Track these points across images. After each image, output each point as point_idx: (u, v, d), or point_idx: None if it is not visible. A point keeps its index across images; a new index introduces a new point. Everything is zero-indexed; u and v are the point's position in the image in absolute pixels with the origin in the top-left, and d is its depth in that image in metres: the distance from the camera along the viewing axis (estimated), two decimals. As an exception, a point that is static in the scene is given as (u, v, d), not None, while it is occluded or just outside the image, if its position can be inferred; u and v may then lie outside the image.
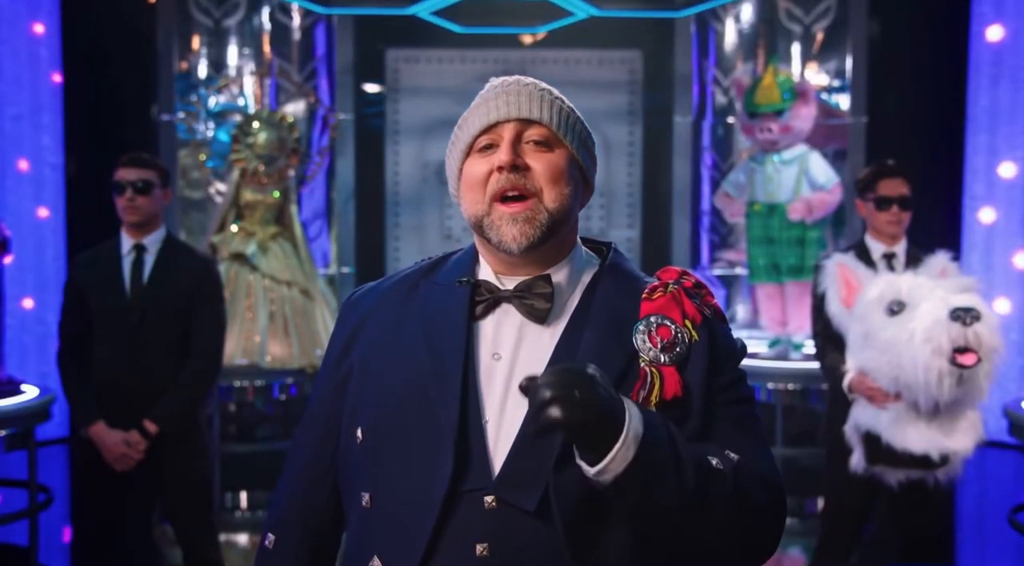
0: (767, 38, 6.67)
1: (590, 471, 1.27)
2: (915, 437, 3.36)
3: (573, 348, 1.42)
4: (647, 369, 1.40)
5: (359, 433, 1.46)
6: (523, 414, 1.36)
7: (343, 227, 6.95)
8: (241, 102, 6.46)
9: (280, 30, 6.68)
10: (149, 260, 3.65)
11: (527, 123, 1.46)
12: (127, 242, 3.66)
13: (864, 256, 3.66)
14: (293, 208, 5.93)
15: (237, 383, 5.50)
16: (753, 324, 6.26)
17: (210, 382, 3.72)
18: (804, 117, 5.72)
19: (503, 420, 1.40)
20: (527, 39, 7.21)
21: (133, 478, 3.60)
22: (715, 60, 6.85)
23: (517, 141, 1.46)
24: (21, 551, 4.54)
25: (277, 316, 5.61)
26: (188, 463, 3.63)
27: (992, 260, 6.39)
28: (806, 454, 5.60)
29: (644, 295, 1.46)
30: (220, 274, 3.89)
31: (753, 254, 5.82)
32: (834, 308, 3.55)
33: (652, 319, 1.43)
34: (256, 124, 5.83)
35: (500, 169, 1.44)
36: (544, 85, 1.51)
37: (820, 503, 4.57)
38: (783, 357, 5.61)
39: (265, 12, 6.63)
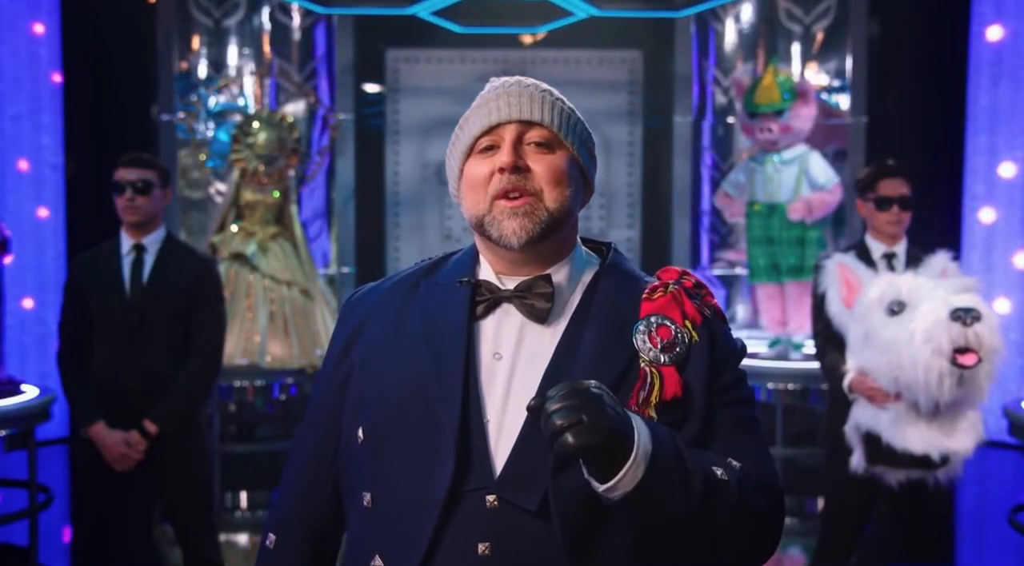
0: (767, 38, 6.67)
1: (600, 488, 1.27)
2: (915, 437, 3.36)
3: (574, 348, 1.42)
4: (647, 369, 1.40)
5: (360, 433, 1.46)
6: (524, 414, 1.37)
7: (343, 227, 6.95)
8: (241, 102, 6.46)
9: (280, 30, 6.68)
10: (149, 260, 3.65)
11: (528, 124, 1.47)
12: (127, 242, 3.66)
13: (864, 256, 3.66)
14: (293, 208, 5.93)
15: (237, 383, 5.49)
16: (753, 324, 6.26)
17: (210, 382, 3.72)
18: (804, 117, 5.71)
19: (504, 420, 1.40)
20: (527, 39, 7.21)
21: (133, 478, 3.60)
22: (715, 60, 6.85)
23: (518, 142, 1.46)
24: (21, 551, 4.54)
25: (277, 316, 5.61)
26: (188, 463, 3.63)
27: (992, 260, 6.39)
28: (806, 454, 5.60)
29: (644, 295, 1.46)
30: (220, 274, 3.89)
31: (753, 254, 5.82)
32: (834, 308, 3.55)
33: (652, 319, 1.43)
34: (256, 124, 5.83)
35: (501, 170, 1.44)
36: (545, 86, 1.51)
37: (820, 503, 4.57)
38: (783, 357, 5.61)
39: (265, 12, 6.63)
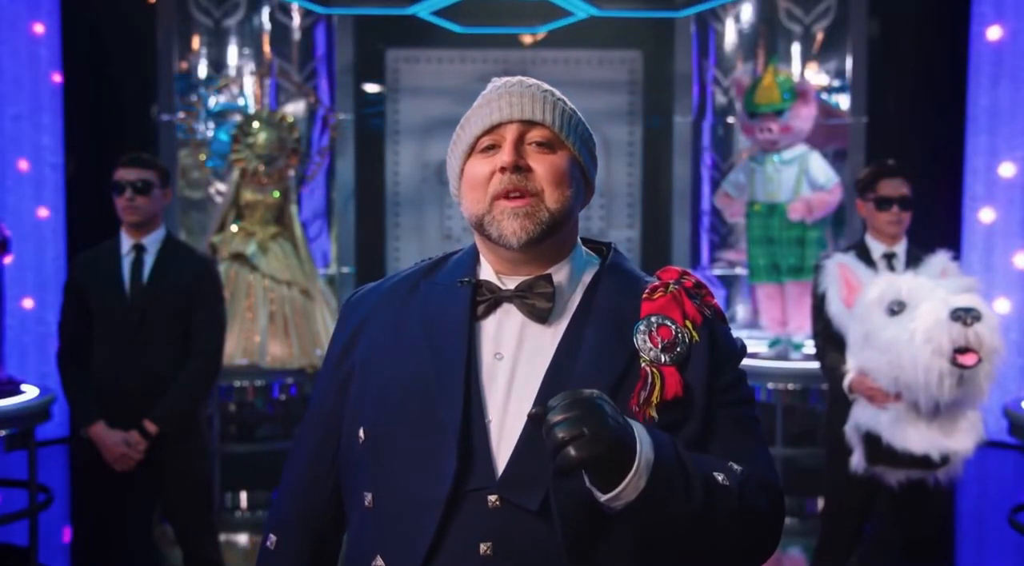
0: (767, 38, 6.67)
1: (602, 498, 1.27)
2: (915, 437, 3.36)
3: (575, 348, 1.42)
4: (648, 369, 1.40)
5: (361, 433, 1.46)
6: (526, 414, 1.36)
7: (343, 227, 6.95)
8: (241, 102, 6.46)
9: (280, 30, 6.68)
10: (149, 260, 3.65)
11: (529, 124, 1.47)
12: (127, 242, 3.66)
13: (864, 256, 3.66)
14: (293, 208, 5.93)
15: (237, 383, 5.49)
16: (753, 324, 6.26)
17: (210, 382, 3.72)
18: (804, 117, 5.71)
19: (506, 419, 1.40)
20: (527, 39, 7.21)
21: (133, 478, 3.60)
22: (715, 60, 6.85)
23: (519, 142, 1.46)
24: (21, 551, 4.54)
25: (277, 316, 5.61)
26: (188, 463, 3.63)
27: (992, 260, 6.39)
28: (806, 454, 5.60)
29: (644, 295, 1.47)
30: (220, 274, 3.89)
31: (753, 254, 5.82)
32: (834, 308, 3.55)
33: (653, 319, 1.43)
34: (256, 124, 5.83)
35: (502, 170, 1.44)
36: (547, 86, 1.51)
37: (820, 503, 4.57)
38: (783, 357, 5.61)
39: (265, 12, 6.63)
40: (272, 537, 1.56)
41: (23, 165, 6.43)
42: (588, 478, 1.29)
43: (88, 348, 3.61)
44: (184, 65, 6.59)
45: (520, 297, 1.46)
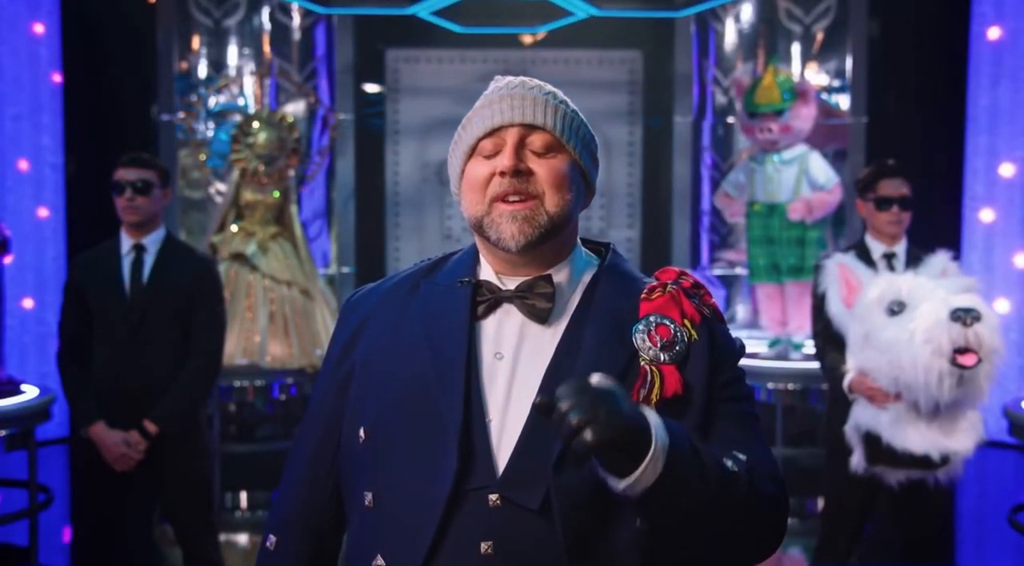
0: (767, 38, 6.67)
1: (619, 485, 1.27)
2: (915, 437, 3.36)
3: (574, 348, 1.43)
4: (647, 368, 1.41)
5: (361, 433, 1.46)
6: (526, 413, 1.38)
7: (343, 227, 6.95)
8: (241, 102, 6.46)
9: (280, 30, 6.68)
10: (149, 260, 3.65)
11: (531, 128, 1.47)
12: (127, 242, 3.66)
13: (864, 256, 3.66)
14: (293, 208, 5.93)
15: (237, 383, 5.49)
16: (753, 324, 6.26)
17: (210, 382, 3.73)
18: (804, 117, 5.71)
19: (506, 419, 1.40)
20: (527, 39, 7.21)
21: (133, 478, 3.60)
22: (715, 60, 6.85)
23: (520, 146, 1.46)
24: (21, 551, 4.54)
25: (277, 316, 5.61)
26: (188, 463, 3.63)
27: (992, 260, 6.39)
28: (806, 454, 5.60)
29: (643, 295, 1.47)
30: (220, 274, 3.89)
31: (753, 254, 5.82)
32: (834, 308, 3.55)
33: (651, 318, 1.44)
34: (256, 124, 5.83)
35: (503, 174, 1.44)
36: (549, 88, 1.51)
37: (820, 503, 4.57)
38: (783, 357, 5.61)
39: (265, 12, 6.63)
40: (272, 537, 1.56)
41: (23, 165, 6.43)
42: (602, 467, 1.28)
43: (88, 348, 3.61)
44: (184, 65, 6.59)
45: (520, 297, 1.46)
